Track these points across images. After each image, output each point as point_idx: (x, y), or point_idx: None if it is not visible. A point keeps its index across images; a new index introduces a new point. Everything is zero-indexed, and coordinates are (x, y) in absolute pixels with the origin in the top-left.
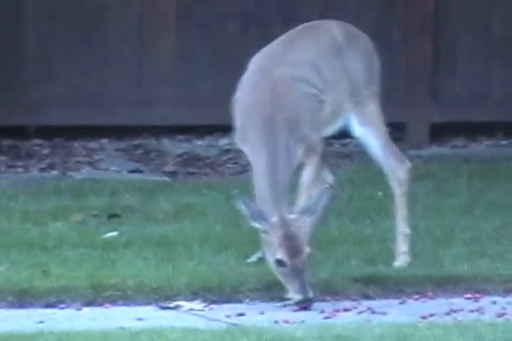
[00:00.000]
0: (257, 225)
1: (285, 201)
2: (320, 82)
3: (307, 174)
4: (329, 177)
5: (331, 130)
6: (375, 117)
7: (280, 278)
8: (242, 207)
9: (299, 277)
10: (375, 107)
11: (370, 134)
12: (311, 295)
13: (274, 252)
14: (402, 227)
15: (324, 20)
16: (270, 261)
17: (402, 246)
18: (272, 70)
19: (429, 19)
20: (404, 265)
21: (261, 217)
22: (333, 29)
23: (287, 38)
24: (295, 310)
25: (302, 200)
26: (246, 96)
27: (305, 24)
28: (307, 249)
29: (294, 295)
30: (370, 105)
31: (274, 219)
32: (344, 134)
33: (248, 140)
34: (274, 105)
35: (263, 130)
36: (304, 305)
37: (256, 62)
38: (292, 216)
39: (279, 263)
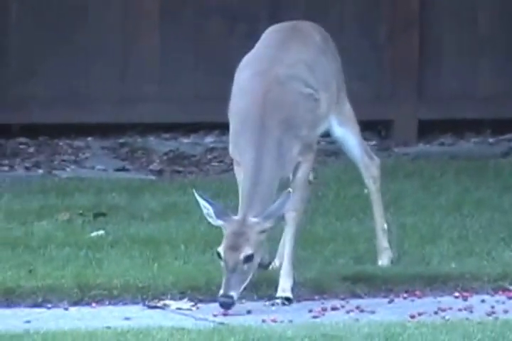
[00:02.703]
0: (210, 221)
1: (263, 202)
2: (314, 81)
3: (302, 171)
4: (311, 176)
5: (323, 129)
6: (351, 116)
7: None
8: (199, 204)
9: (227, 273)
10: (349, 107)
11: (348, 133)
12: (230, 293)
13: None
14: (381, 223)
15: (298, 22)
16: None
17: (383, 242)
18: (268, 73)
19: (415, 16)
20: (388, 261)
21: (217, 214)
22: (312, 31)
23: (275, 41)
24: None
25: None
26: (240, 101)
27: (281, 26)
28: (248, 251)
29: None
30: (346, 105)
31: (236, 217)
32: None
33: (240, 144)
34: (267, 106)
35: (254, 131)
36: (222, 301)
37: (249, 67)
38: (255, 219)
39: (217, 255)
